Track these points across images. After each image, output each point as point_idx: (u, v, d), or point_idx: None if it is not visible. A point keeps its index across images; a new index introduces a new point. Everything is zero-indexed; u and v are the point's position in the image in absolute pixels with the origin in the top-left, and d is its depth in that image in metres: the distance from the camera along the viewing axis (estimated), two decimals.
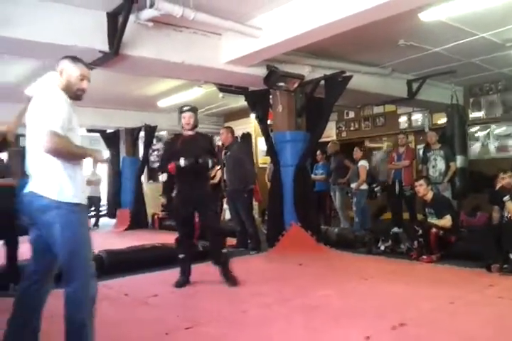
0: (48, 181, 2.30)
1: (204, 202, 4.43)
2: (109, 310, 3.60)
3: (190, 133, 4.50)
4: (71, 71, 2.48)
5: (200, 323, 3.19)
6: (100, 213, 10.74)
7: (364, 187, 7.46)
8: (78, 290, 2.29)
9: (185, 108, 4.49)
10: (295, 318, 3.28)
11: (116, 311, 3.60)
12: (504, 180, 4.85)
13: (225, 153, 6.42)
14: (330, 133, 10.32)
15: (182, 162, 4.26)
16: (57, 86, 2.47)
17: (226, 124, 10.51)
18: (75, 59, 2.53)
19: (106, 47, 4.54)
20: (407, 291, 3.94)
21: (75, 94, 2.50)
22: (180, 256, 4.47)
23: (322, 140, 7.43)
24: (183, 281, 4.40)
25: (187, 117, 4.42)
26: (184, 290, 4.27)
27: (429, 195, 5.52)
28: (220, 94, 7.58)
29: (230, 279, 4.28)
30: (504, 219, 4.90)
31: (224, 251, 4.41)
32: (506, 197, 4.78)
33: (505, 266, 4.48)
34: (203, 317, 3.36)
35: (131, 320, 3.38)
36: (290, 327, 3.09)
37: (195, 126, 4.48)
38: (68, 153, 2.33)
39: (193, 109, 4.51)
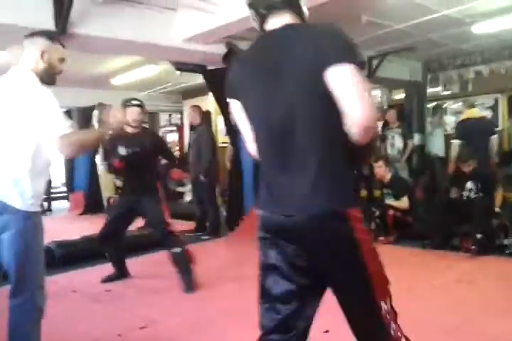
0: (8, 184, 2.04)
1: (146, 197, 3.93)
2: (55, 308, 3.40)
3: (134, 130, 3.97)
4: (53, 52, 2.18)
5: (156, 322, 3.07)
6: (52, 196, 10.25)
7: None
8: (27, 301, 2.11)
9: (133, 102, 3.97)
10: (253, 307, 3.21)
11: (63, 310, 3.37)
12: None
13: (191, 135, 6.20)
14: None
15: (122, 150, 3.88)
16: (31, 70, 2.14)
17: (185, 102, 10.23)
18: (53, 38, 2.24)
19: (52, 26, 4.17)
20: None
21: (51, 79, 2.21)
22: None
23: None
24: (115, 276, 4.14)
25: (135, 113, 3.91)
26: (139, 283, 4.10)
27: (388, 176, 5.53)
28: (177, 72, 7.29)
29: (185, 283, 3.79)
30: (464, 197, 4.95)
31: (176, 250, 3.81)
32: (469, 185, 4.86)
33: (473, 247, 4.55)
34: (159, 314, 3.23)
35: (80, 319, 3.22)
36: (248, 319, 3.02)
37: (140, 123, 4.06)
38: (86, 146, 2.16)
39: (142, 105, 4.02)
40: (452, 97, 8.35)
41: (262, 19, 1.58)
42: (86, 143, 2.13)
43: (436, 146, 7.63)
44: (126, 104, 3.95)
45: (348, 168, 1.47)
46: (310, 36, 1.45)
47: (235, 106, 1.64)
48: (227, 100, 1.67)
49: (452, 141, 5.96)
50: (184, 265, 3.80)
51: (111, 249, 4.06)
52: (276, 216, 1.48)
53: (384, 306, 1.51)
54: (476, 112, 6.29)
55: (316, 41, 1.41)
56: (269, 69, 1.47)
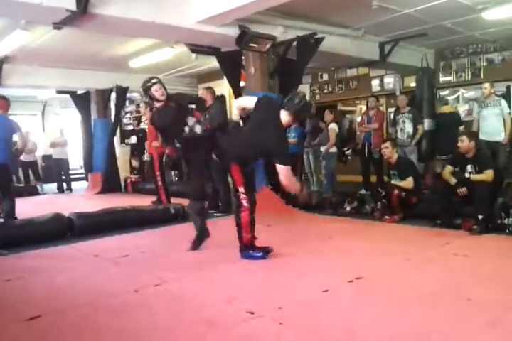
0: None
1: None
2: (78, 270, 3.71)
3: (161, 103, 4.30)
4: None
5: (169, 281, 3.31)
6: (71, 176, 10.62)
7: (333, 150, 7.57)
8: None
9: (154, 80, 4.24)
10: (260, 274, 3.45)
11: (85, 271, 3.69)
12: (463, 142, 4.99)
13: (205, 115, 6.37)
14: None
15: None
16: None
17: (200, 86, 10.39)
18: None
19: (73, 6, 4.40)
20: (366, 249, 4.14)
21: None
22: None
23: None
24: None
25: (159, 88, 4.20)
26: (154, 250, 4.37)
27: (394, 157, 5.67)
28: (193, 55, 7.47)
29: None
30: (465, 180, 5.07)
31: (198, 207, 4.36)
32: (469, 168, 4.98)
33: (475, 226, 4.70)
34: (172, 275, 3.46)
35: (101, 278, 3.49)
36: (256, 282, 3.26)
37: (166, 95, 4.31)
38: None
39: (160, 81, 4.29)
40: (464, 85, 8.43)
41: None
42: None
43: None
44: (152, 83, 4.19)
45: None
46: None
47: None
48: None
49: None
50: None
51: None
52: None
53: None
54: (447, 108, 7.84)
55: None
56: None
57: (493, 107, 6.64)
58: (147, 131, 8.06)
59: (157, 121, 4.34)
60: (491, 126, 6.59)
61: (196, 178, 4.43)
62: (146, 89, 4.20)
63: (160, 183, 7.03)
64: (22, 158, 10.14)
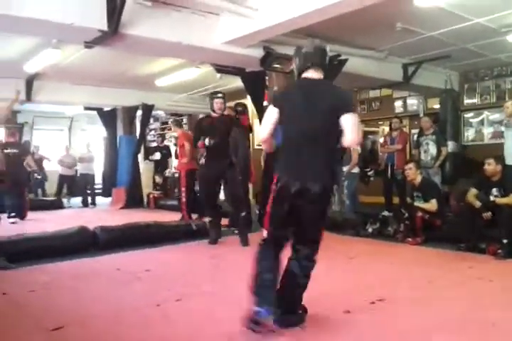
0: None
1: (227, 173, 5.30)
2: (101, 283, 3.76)
3: (217, 115, 5.40)
4: None
5: (191, 296, 3.34)
6: (95, 191, 10.83)
7: (356, 170, 7.55)
8: None
9: (219, 94, 5.46)
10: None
11: (108, 284, 3.75)
12: (489, 165, 4.95)
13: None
14: None
15: (207, 141, 5.22)
16: None
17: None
18: None
19: (105, 26, 4.56)
20: (388, 270, 4.10)
21: None
22: (208, 219, 5.62)
23: None
24: (215, 238, 5.41)
25: (219, 103, 5.33)
26: (176, 266, 4.43)
27: (418, 179, 5.64)
28: (218, 75, 7.62)
29: (243, 240, 5.26)
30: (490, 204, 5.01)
31: (242, 214, 5.38)
32: (495, 191, 4.92)
33: (499, 251, 4.62)
34: (193, 291, 3.49)
35: (123, 292, 3.53)
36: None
37: (224, 109, 5.44)
38: None
39: (224, 97, 5.45)
40: (489, 107, 8.37)
41: (305, 68, 2.72)
42: None
43: None
44: (215, 96, 5.44)
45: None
46: (335, 91, 2.74)
47: (273, 112, 2.72)
48: (270, 106, 2.76)
49: None
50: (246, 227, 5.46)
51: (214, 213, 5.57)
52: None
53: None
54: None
55: (338, 95, 2.69)
56: (310, 102, 2.63)
57: None
58: (178, 147, 8.10)
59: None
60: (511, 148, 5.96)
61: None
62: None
63: (184, 200, 7.09)
64: (62, 172, 10.47)
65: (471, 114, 8.59)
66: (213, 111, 5.39)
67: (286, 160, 2.72)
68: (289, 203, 2.63)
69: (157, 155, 10.50)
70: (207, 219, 5.71)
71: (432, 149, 7.16)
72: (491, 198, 4.95)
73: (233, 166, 5.42)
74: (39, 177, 11.13)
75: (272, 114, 2.71)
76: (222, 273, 4.10)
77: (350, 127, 2.55)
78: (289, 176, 2.64)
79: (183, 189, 7.11)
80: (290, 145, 2.70)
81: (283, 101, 2.76)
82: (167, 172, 10.39)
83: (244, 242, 5.26)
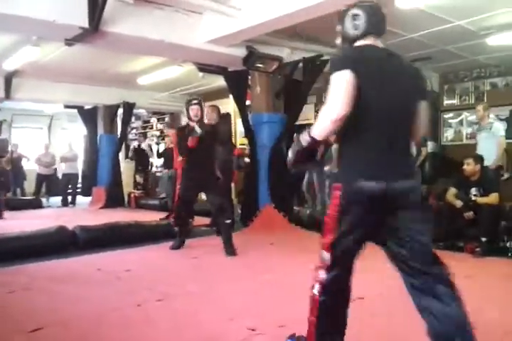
0: None
1: (209, 182, 4.98)
2: (81, 284, 3.71)
3: (194, 123, 4.92)
4: None
5: (172, 296, 3.32)
6: (77, 191, 10.69)
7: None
8: None
9: (194, 101, 4.95)
10: (263, 292, 3.44)
11: (88, 285, 3.70)
12: (469, 165, 5.03)
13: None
14: (308, 115, 10.40)
15: (198, 129, 4.84)
16: None
17: (206, 104, 10.50)
18: None
19: (86, 23, 4.53)
20: (369, 269, 4.09)
21: None
22: (176, 228, 5.25)
23: (300, 122, 7.51)
24: (179, 243, 5.10)
25: (195, 110, 4.89)
26: (157, 265, 4.40)
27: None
28: (200, 74, 7.59)
29: (228, 249, 4.79)
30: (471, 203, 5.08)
31: (227, 221, 4.98)
32: (474, 191, 5.00)
33: (477, 249, 4.70)
34: (175, 291, 3.47)
35: (104, 291, 3.49)
36: (258, 300, 3.25)
37: (201, 117, 4.99)
38: None
39: (200, 102, 4.98)
40: (468, 108, 8.50)
41: (364, 35, 2.04)
42: None
43: None
44: (190, 102, 4.95)
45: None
46: (413, 67, 2.19)
47: (348, 76, 1.84)
48: (338, 72, 1.87)
49: None
50: (229, 235, 4.89)
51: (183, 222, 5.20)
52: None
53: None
54: None
55: (418, 74, 2.14)
56: (392, 73, 1.98)
57: (486, 131, 6.41)
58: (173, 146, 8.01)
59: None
60: (482, 151, 6.12)
61: None
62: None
63: (177, 198, 7.03)
64: (40, 171, 10.28)
65: (450, 115, 8.71)
66: (189, 118, 4.98)
67: (369, 154, 1.92)
68: (378, 221, 1.97)
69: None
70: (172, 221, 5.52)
71: (412, 149, 7.22)
72: (473, 197, 5.03)
73: (214, 176, 5.11)
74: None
75: (348, 79, 1.84)
76: (203, 273, 4.09)
77: (426, 117, 2.09)
78: (380, 178, 1.87)
79: (179, 186, 7.05)
80: (376, 132, 1.91)
81: (361, 64, 1.90)
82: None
83: (230, 252, 4.80)
